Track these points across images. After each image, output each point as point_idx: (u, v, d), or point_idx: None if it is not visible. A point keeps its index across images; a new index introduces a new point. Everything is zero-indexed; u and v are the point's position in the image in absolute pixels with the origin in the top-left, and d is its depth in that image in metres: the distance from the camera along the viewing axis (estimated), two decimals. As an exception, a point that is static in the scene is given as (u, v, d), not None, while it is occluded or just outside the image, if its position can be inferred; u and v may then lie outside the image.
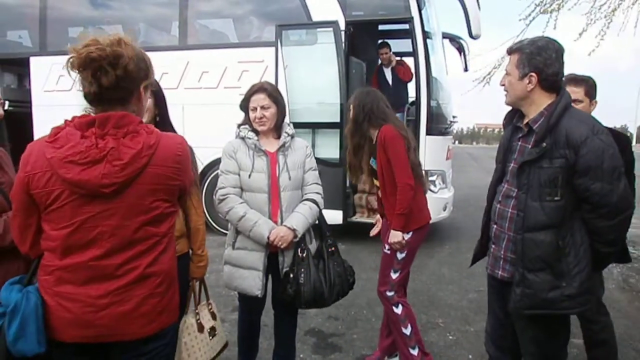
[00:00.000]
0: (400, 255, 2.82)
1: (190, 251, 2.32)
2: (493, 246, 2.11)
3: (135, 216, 1.43)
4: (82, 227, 1.39)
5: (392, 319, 2.89)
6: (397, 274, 2.85)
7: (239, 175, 2.45)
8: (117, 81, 1.40)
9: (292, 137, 2.56)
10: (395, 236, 2.75)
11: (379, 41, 6.92)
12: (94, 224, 1.40)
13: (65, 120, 1.44)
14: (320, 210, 2.57)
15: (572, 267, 1.86)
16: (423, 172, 2.85)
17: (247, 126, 2.52)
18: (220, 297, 4.08)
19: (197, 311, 2.35)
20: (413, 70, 5.77)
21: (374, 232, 3.15)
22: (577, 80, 2.55)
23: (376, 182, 2.98)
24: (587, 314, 2.56)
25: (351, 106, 2.95)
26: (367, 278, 4.86)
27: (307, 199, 2.53)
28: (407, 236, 2.77)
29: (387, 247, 2.86)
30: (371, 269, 5.18)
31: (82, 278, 1.41)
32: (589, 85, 2.56)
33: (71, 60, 1.38)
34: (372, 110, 2.84)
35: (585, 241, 1.88)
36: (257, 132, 2.50)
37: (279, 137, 2.53)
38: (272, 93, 2.48)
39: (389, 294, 2.87)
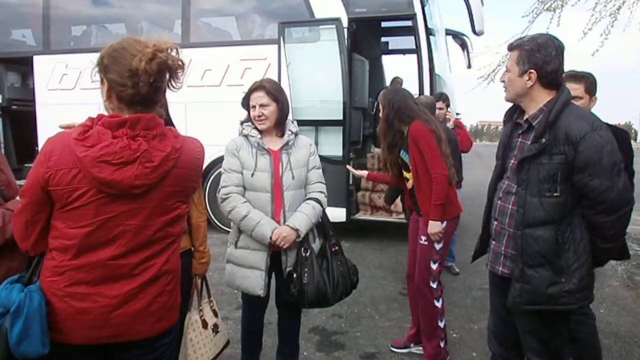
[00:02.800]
0: (438, 246, 2.88)
1: (192, 248, 2.33)
2: (494, 242, 2.11)
3: (158, 217, 1.46)
4: (104, 225, 1.39)
5: (430, 312, 2.94)
6: (437, 265, 2.92)
7: (241, 173, 2.44)
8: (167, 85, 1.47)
9: (296, 135, 2.53)
10: (435, 226, 2.81)
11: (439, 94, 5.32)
12: (116, 223, 1.40)
13: (90, 118, 1.42)
14: (324, 210, 2.55)
15: (571, 263, 1.86)
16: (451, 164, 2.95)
17: (250, 123, 2.50)
18: (223, 295, 4.09)
19: (200, 308, 2.35)
20: (416, 67, 5.74)
21: (358, 173, 3.43)
22: (577, 76, 2.52)
23: (406, 175, 3.06)
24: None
25: (380, 106, 3.06)
26: (371, 275, 4.86)
27: (310, 198, 2.51)
28: (442, 226, 2.83)
29: (423, 238, 2.90)
30: (375, 267, 5.18)
31: (97, 278, 1.41)
32: (589, 82, 2.52)
33: (147, 63, 1.36)
34: (400, 109, 2.95)
35: (585, 237, 1.88)
36: (260, 130, 2.48)
37: (282, 134, 2.50)
38: (271, 91, 2.44)
39: (433, 285, 2.92)
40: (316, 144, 5.97)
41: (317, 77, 6.23)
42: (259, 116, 2.43)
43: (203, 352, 2.27)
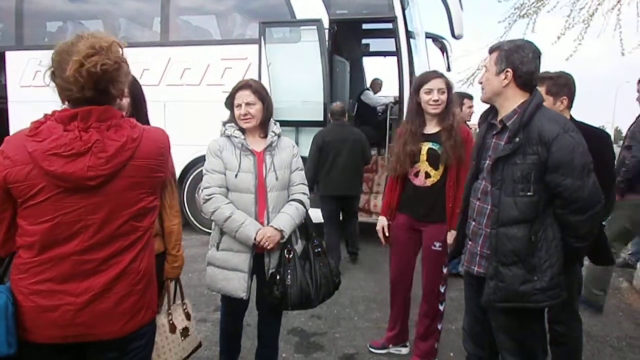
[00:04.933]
0: (449, 250, 2.82)
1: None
2: (470, 243, 2.15)
3: (121, 210, 1.43)
4: (64, 220, 1.37)
5: (433, 315, 2.96)
6: (446, 269, 2.94)
7: (224, 174, 2.41)
8: (122, 89, 1.45)
9: (279, 136, 2.52)
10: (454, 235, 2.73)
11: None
12: (77, 218, 1.38)
13: (45, 115, 1.41)
14: (307, 211, 2.55)
15: (543, 261, 1.91)
16: None
17: (233, 124, 2.47)
18: (202, 297, 4.05)
19: (169, 311, 2.29)
20: (396, 69, 5.79)
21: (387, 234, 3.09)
22: (540, 78, 2.44)
23: (429, 170, 2.83)
24: (556, 315, 2.58)
25: (445, 87, 2.81)
26: (350, 276, 4.88)
27: (293, 199, 2.50)
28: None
29: (437, 244, 2.85)
30: (354, 268, 5.20)
31: (63, 274, 1.38)
32: (551, 83, 2.50)
33: (78, 69, 1.32)
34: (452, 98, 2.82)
35: (557, 236, 1.93)
36: (243, 131, 2.46)
37: (265, 135, 2.49)
38: (258, 90, 2.44)
39: (442, 289, 2.93)
40: (297, 144, 5.95)
41: (297, 77, 6.21)
42: (245, 115, 2.40)
43: (167, 357, 2.21)
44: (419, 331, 3.05)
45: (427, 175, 2.85)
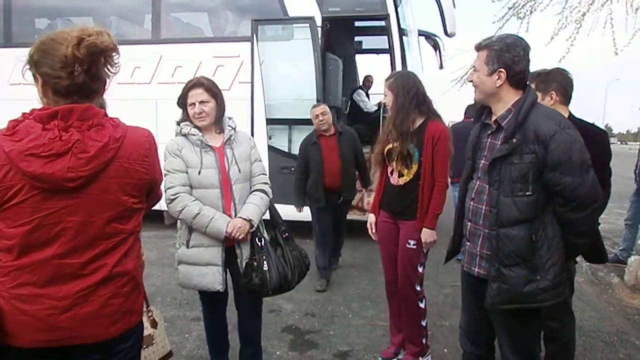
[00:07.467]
0: (425, 250, 2.85)
1: None
2: (468, 243, 2.12)
3: (102, 212, 1.38)
4: (43, 223, 1.32)
5: (414, 313, 2.95)
6: (422, 268, 2.91)
7: (186, 173, 2.42)
8: (113, 73, 1.41)
9: (235, 130, 2.56)
10: (431, 235, 2.75)
11: None
12: (56, 220, 1.33)
13: (23, 113, 1.36)
14: (271, 200, 2.61)
15: (545, 260, 1.88)
16: None
17: (188, 123, 2.49)
18: (196, 296, 4.00)
19: None
20: (389, 67, 5.79)
21: (373, 230, 3.07)
22: (530, 77, 2.48)
23: (402, 170, 2.82)
24: (549, 311, 2.58)
25: (389, 91, 2.80)
26: (344, 274, 4.88)
27: (256, 190, 2.55)
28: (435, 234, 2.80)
29: (412, 242, 2.82)
30: (348, 266, 5.20)
31: (44, 278, 1.34)
32: (539, 80, 2.52)
33: (76, 45, 1.29)
34: (417, 96, 2.74)
35: (557, 234, 1.91)
36: (199, 129, 2.47)
37: (221, 131, 2.52)
38: (210, 87, 2.46)
39: (418, 288, 2.92)
40: (289, 142, 5.96)
41: (290, 75, 6.20)
42: (200, 113, 2.42)
43: None
44: (404, 331, 3.05)
45: (400, 174, 2.85)
